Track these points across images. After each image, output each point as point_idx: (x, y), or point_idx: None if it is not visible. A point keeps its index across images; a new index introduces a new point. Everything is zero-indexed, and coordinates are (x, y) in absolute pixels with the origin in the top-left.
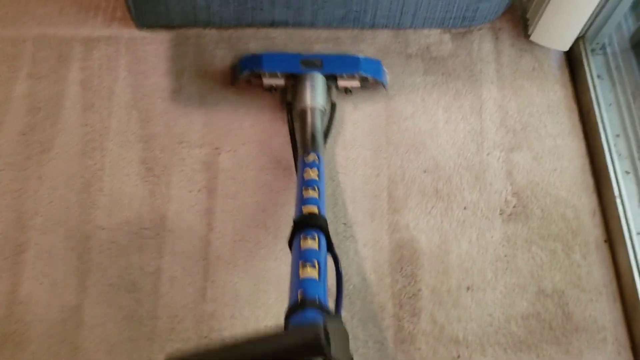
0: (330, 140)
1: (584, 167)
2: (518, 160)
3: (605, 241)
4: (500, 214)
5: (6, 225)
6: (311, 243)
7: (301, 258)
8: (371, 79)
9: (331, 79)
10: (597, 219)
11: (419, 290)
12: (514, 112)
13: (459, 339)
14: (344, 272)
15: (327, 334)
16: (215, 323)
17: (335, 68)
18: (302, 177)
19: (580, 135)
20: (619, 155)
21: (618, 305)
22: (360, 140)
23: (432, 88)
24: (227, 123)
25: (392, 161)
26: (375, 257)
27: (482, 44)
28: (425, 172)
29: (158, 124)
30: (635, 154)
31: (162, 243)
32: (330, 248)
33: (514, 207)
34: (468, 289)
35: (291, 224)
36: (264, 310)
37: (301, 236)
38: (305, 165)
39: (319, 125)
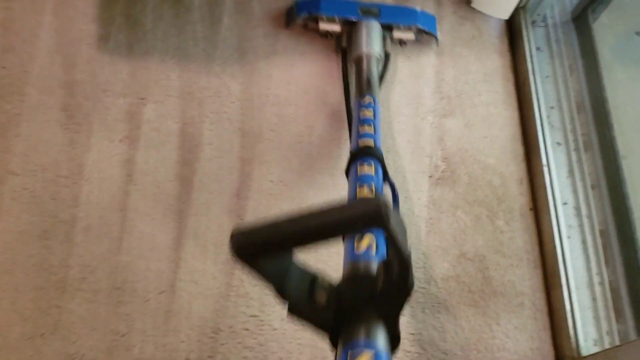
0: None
1: (515, 136)
2: (450, 127)
3: (531, 209)
4: (430, 177)
5: None
6: (368, 169)
7: (358, 181)
8: (426, 33)
9: (387, 29)
10: (524, 187)
11: None
12: (450, 79)
13: None
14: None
15: (387, 208)
16: (130, 274)
17: (393, 18)
18: (358, 116)
19: (515, 104)
20: (552, 126)
21: (538, 272)
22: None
23: None
24: (155, 74)
25: (320, 122)
26: None
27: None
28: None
29: (83, 70)
30: (568, 126)
31: (78, 192)
32: (386, 177)
33: (443, 171)
34: None
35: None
36: (180, 264)
37: (358, 164)
38: (361, 106)
39: (375, 72)
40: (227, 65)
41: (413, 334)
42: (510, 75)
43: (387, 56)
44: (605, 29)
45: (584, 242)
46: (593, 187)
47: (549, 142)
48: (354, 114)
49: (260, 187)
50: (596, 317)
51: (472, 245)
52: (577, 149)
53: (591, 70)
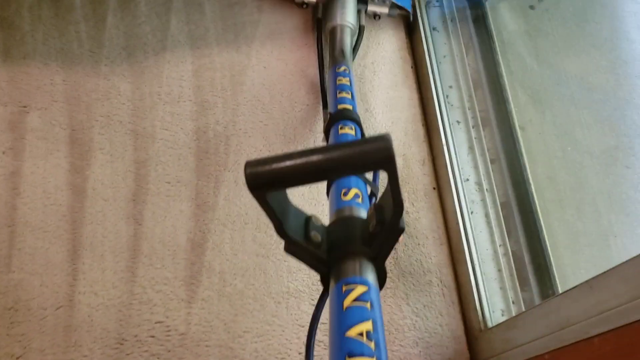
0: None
1: (415, 118)
2: None
3: (434, 188)
4: None
5: None
6: (349, 130)
7: (340, 140)
8: (400, 8)
9: (361, 2)
10: (427, 167)
11: None
12: None
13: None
14: None
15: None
16: (23, 292)
17: None
18: (335, 83)
19: (414, 86)
20: (451, 105)
21: (444, 248)
22: None
23: (266, 38)
24: (37, 79)
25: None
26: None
27: None
28: (263, 122)
29: None
30: (466, 104)
31: None
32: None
33: None
34: None
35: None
36: (78, 276)
37: (339, 125)
38: (337, 74)
39: (349, 42)
40: (115, 65)
41: (324, 323)
42: (408, 57)
43: (361, 29)
44: (500, 4)
45: (487, 215)
46: (492, 161)
47: (447, 122)
48: (330, 80)
49: (158, 189)
50: (502, 288)
51: None
52: (476, 126)
53: (486, 48)
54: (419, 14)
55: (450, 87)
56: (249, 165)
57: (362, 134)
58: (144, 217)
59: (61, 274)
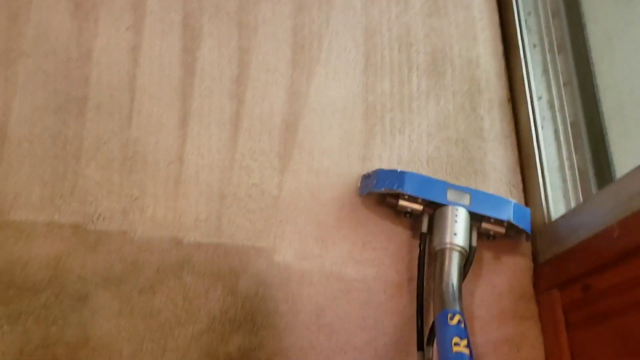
0: None
1: (495, 36)
2: (436, 26)
3: (509, 100)
4: (417, 69)
5: None
6: None
7: None
8: (519, 229)
9: (475, 218)
10: (503, 81)
11: None
12: None
13: None
14: None
15: None
16: (141, 147)
17: (484, 208)
18: (450, 349)
19: (495, 8)
20: (529, 30)
21: (514, 153)
22: None
23: None
24: None
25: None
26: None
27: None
28: (353, 25)
29: None
30: (543, 30)
31: (88, 73)
32: None
33: (429, 65)
34: None
35: None
36: (187, 140)
37: None
38: (451, 331)
39: (459, 274)
40: None
41: None
42: None
43: (471, 250)
44: None
45: (556, 131)
46: (565, 84)
47: (527, 42)
48: (441, 339)
49: (258, 75)
50: (566, 197)
51: (455, 130)
52: (551, 50)
53: None
54: None
55: (529, 13)
56: None
57: None
58: (245, 98)
59: (172, 136)
